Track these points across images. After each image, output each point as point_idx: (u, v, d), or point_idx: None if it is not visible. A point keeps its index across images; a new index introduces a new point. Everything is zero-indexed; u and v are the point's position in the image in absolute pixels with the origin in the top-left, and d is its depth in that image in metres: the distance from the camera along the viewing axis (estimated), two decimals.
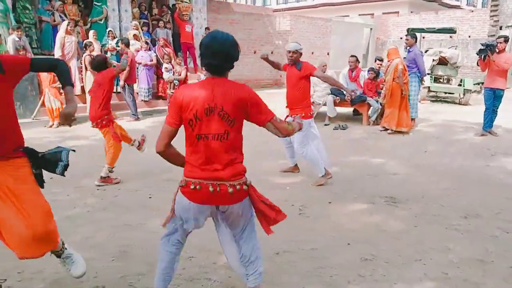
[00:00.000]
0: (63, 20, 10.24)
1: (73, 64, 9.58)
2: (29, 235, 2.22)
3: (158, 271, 2.45)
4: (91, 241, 3.45)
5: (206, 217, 2.39)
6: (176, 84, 9.23)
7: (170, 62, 9.61)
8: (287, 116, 4.85)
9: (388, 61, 8.20)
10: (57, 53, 9.43)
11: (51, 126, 8.52)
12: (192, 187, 2.22)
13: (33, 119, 8.69)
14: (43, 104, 8.71)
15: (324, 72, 9.02)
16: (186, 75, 9.41)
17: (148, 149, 6.84)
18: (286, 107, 5.07)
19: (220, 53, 2.18)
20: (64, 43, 9.45)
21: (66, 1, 10.76)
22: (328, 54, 18.79)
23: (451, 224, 3.79)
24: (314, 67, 4.84)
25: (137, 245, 3.36)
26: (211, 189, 2.18)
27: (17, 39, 9.13)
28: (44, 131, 8.13)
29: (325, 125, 8.91)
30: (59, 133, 7.90)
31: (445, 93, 13.16)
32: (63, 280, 2.83)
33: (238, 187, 2.21)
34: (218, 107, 2.15)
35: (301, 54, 4.82)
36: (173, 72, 9.14)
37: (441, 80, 13.09)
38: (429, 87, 12.69)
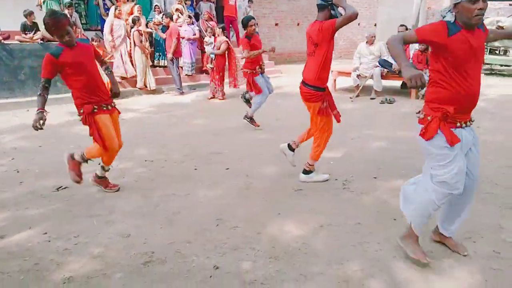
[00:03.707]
0: (105, 4, 10.37)
1: (123, 47, 9.71)
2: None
3: None
4: (140, 210, 3.60)
5: None
6: (212, 58, 9.03)
7: (215, 36, 9.50)
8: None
9: None
10: (107, 38, 9.57)
11: None
12: None
13: None
14: None
15: (372, 43, 8.73)
16: (229, 49, 9.16)
17: (194, 121, 6.99)
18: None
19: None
20: (113, 27, 9.58)
21: None
22: (375, 25, 18.08)
23: (505, 202, 3.62)
24: None
25: (184, 214, 3.46)
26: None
27: (68, 16, 9.45)
28: None
29: (371, 98, 8.67)
30: None
31: (501, 65, 12.40)
32: (116, 245, 2.98)
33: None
34: None
35: None
36: (213, 46, 9.07)
37: (497, 52, 12.30)
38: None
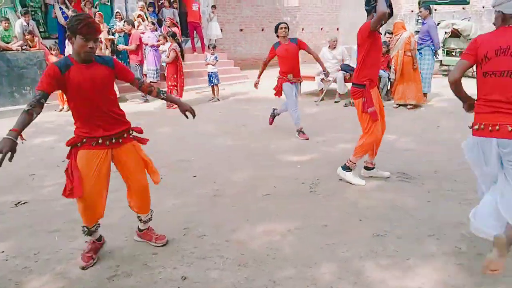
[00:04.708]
0: (63, 13, 10.05)
1: None
2: None
3: None
4: (105, 221, 3.45)
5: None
6: (164, 66, 9.01)
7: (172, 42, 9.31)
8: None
9: (395, 35, 8.01)
10: (69, 50, 9.27)
11: (61, 110, 8.60)
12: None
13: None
14: None
15: (334, 48, 8.90)
16: (177, 56, 8.70)
17: (160, 129, 6.89)
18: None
19: None
20: None
21: None
22: (338, 29, 18.45)
23: (465, 198, 3.75)
24: None
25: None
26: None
27: (25, 23, 9.12)
28: (54, 114, 8.19)
29: (335, 102, 8.82)
30: (69, 117, 7.94)
31: None
32: (79, 260, 2.87)
33: None
34: None
35: None
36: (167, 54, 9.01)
37: (454, 54, 12.83)
38: (441, 60, 12.46)
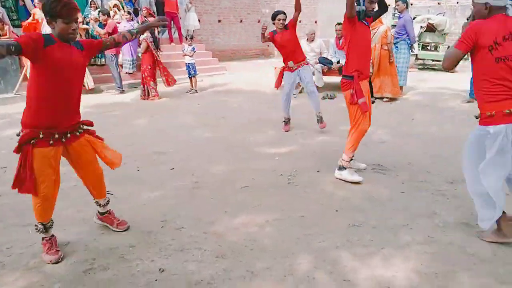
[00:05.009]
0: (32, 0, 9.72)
1: None
2: None
3: None
4: (81, 215, 3.44)
5: None
6: (139, 56, 8.96)
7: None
8: None
9: (372, 29, 8.09)
10: None
11: None
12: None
13: (15, 94, 8.48)
14: (25, 79, 8.48)
15: (312, 40, 8.93)
16: (148, 48, 8.46)
17: (137, 121, 6.80)
18: None
19: None
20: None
21: None
22: (316, 22, 18.54)
23: (437, 189, 3.85)
24: None
25: (126, 217, 3.32)
26: None
27: None
28: None
29: None
30: None
31: (433, 60, 13.16)
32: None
33: None
34: None
35: None
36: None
37: (429, 48, 13.07)
38: (416, 54, 12.68)
